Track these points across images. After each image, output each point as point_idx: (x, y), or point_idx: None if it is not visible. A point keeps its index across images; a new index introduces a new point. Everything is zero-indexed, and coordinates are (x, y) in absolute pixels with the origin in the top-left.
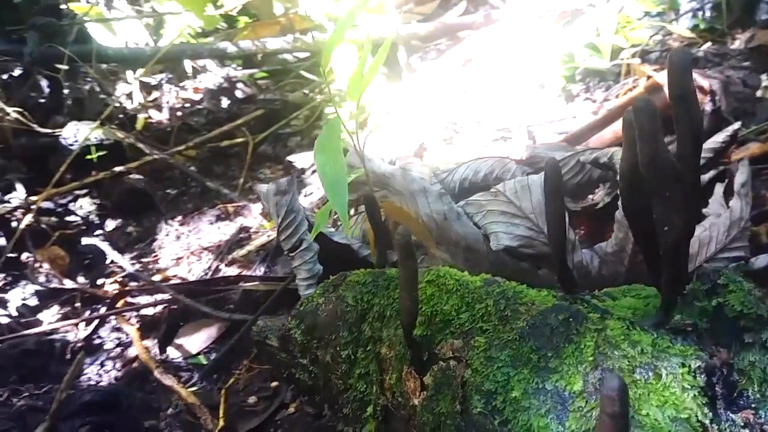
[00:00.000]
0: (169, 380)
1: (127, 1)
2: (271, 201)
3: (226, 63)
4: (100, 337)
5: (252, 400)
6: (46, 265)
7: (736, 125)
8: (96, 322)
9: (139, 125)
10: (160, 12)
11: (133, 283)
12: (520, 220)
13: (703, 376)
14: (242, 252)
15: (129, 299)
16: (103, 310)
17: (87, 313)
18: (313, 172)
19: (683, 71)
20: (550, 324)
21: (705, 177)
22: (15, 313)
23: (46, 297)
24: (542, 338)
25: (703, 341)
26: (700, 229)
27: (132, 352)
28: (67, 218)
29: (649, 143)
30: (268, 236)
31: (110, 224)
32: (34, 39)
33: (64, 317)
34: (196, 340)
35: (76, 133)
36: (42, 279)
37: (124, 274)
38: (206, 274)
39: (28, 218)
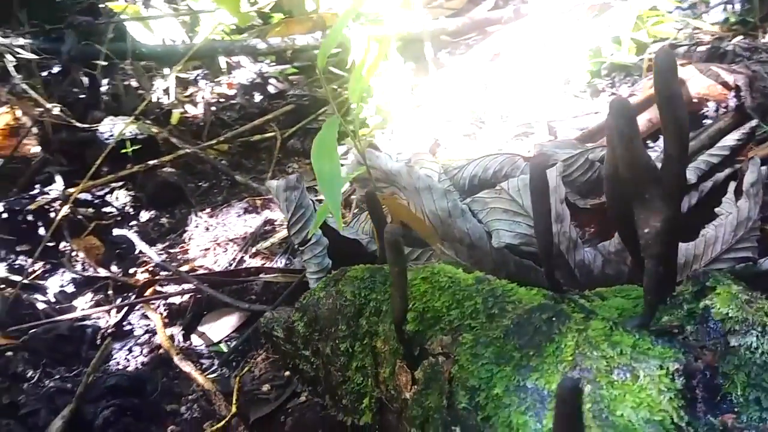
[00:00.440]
0: (188, 367)
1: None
2: (281, 196)
3: (259, 59)
4: (129, 324)
5: (265, 388)
6: (81, 254)
7: (754, 122)
8: (126, 309)
9: (174, 120)
10: (195, 9)
11: (163, 273)
12: (521, 218)
13: (681, 379)
14: (266, 244)
15: (158, 288)
16: (133, 298)
17: (118, 301)
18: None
19: (668, 72)
20: (534, 323)
21: (720, 175)
22: (53, 299)
23: (82, 284)
24: (525, 336)
25: (688, 344)
26: (708, 229)
27: (158, 339)
28: (104, 209)
29: (625, 145)
30: None
31: (144, 215)
32: (72, 37)
33: (97, 304)
34: (218, 329)
35: (112, 128)
36: (78, 267)
37: (154, 263)
38: (231, 265)
39: (65, 209)
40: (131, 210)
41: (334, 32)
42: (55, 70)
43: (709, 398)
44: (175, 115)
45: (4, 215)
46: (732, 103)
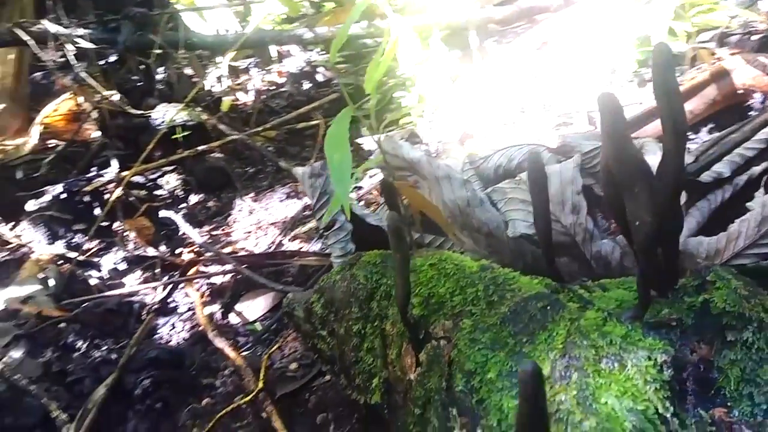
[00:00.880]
0: (221, 343)
1: None
2: (306, 183)
3: (308, 48)
4: (174, 301)
5: (293, 366)
6: (133, 234)
7: None
8: (170, 287)
9: (224, 107)
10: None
11: (208, 254)
12: None
13: (669, 371)
14: (304, 228)
15: (201, 268)
16: (177, 277)
17: (164, 279)
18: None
19: (666, 67)
20: (529, 311)
21: (756, 169)
22: (105, 276)
23: (132, 263)
24: (520, 324)
25: (686, 337)
26: (733, 224)
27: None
28: (155, 192)
29: (614, 139)
30: None
31: (193, 199)
32: (127, 27)
33: (145, 281)
34: (254, 308)
35: (164, 114)
36: (130, 246)
37: (197, 244)
38: (270, 248)
39: (119, 191)
40: (181, 193)
41: (345, 26)
42: (113, 59)
43: (700, 391)
44: (226, 102)
45: (63, 196)
46: None
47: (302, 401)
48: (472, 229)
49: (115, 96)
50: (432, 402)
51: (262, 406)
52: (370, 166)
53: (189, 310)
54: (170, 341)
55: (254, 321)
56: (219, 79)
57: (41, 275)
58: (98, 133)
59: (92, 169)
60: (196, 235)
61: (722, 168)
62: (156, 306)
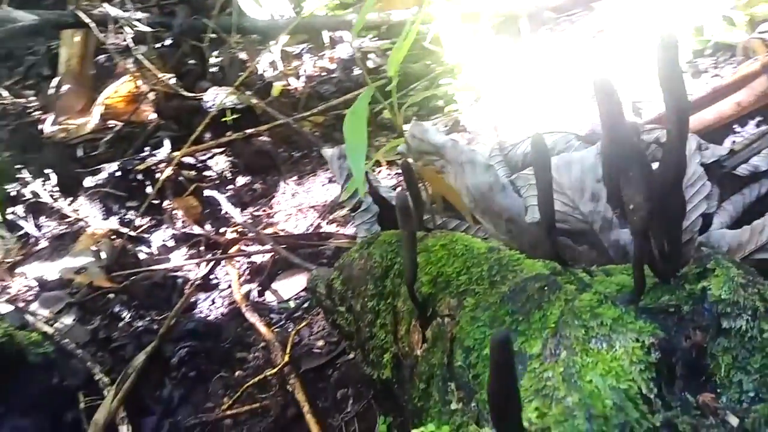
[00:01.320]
0: (253, 318)
1: None
2: (335, 164)
3: (361, 34)
4: (216, 278)
5: (320, 343)
6: (181, 213)
7: None
8: (212, 264)
9: (275, 92)
10: None
11: (249, 234)
12: (557, 196)
13: (657, 353)
14: (342, 212)
15: (243, 247)
16: (219, 254)
17: (208, 256)
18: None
19: (671, 57)
20: (527, 291)
21: None
22: (155, 251)
23: (180, 240)
24: (518, 303)
25: (684, 323)
26: (759, 219)
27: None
28: (205, 173)
29: (609, 122)
30: None
31: (240, 180)
32: (183, 12)
33: (189, 258)
34: (289, 287)
35: (215, 98)
36: (179, 224)
37: (246, 223)
38: (308, 229)
39: (169, 171)
40: (229, 174)
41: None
42: (168, 42)
43: (691, 376)
44: (277, 87)
45: (118, 174)
46: None
47: (326, 376)
48: (493, 214)
49: (171, 79)
50: (434, 377)
51: (287, 379)
52: (391, 149)
53: (229, 286)
54: (209, 315)
55: (288, 299)
56: (272, 63)
57: (94, 248)
58: (154, 115)
59: (146, 148)
60: (238, 215)
61: (760, 161)
62: (198, 281)
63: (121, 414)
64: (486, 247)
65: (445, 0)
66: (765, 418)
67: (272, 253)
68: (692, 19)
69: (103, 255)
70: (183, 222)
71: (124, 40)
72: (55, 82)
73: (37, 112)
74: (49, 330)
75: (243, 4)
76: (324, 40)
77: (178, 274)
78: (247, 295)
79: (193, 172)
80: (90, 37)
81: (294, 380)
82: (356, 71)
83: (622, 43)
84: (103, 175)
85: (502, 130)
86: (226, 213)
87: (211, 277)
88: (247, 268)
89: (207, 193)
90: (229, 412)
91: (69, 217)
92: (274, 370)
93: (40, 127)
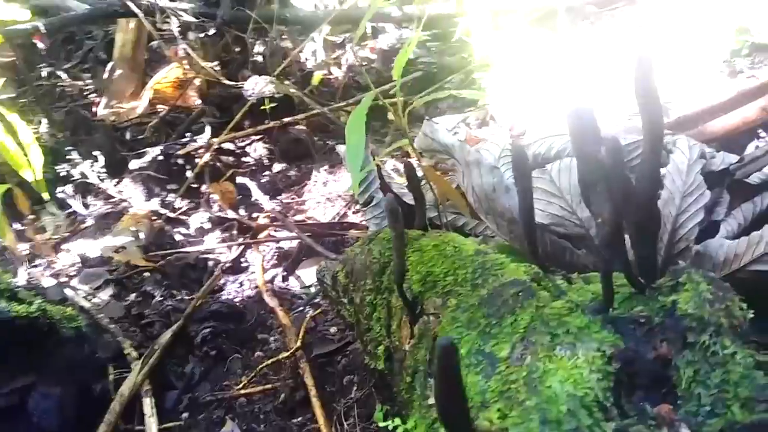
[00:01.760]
0: (273, 303)
1: None
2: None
3: (403, 25)
4: (246, 261)
5: (333, 330)
6: (217, 197)
7: None
8: (242, 248)
9: (315, 81)
10: None
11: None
12: (556, 200)
13: (617, 363)
14: None
15: (272, 233)
16: (249, 239)
17: (239, 240)
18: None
19: (646, 74)
20: (503, 296)
21: None
22: (192, 233)
23: (215, 223)
24: (494, 307)
25: (653, 334)
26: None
27: (265, 276)
28: (243, 159)
29: (576, 138)
30: None
31: (276, 167)
32: (227, 2)
33: (222, 241)
34: (310, 274)
35: (255, 86)
36: (215, 208)
37: (274, 210)
38: (334, 218)
39: (207, 156)
40: (266, 161)
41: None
42: (211, 32)
43: (653, 387)
44: (317, 76)
45: (160, 157)
46: None
47: (335, 362)
48: (496, 214)
49: (215, 67)
50: (418, 372)
51: (298, 363)
52: (398, 147)
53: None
54: (236, 298)
55: (310, 285)
56: (314, 53)
57: (133, 228)
58: (199, 101)
59: (187, 134)
60: (267, 202)
61: None
62: (228, 264)
63: (145, 387)
64: (474, 250)
65: None
66: None
67: (299, 240)
68: (735, 17)
69: (142, 235)
70: (219, 206)
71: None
72: (109, 66)
73: (92, 95)
74: (86, 304)
75: None
76: (366, 30)
77: (210, 256)
78: (271, 280)
79: (231, 158)
80: (144, 24)
81: (304, 364)
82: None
83: (660, 39)
84: (147, 158)
85: (528, 128)
86: (257, 199)
87: (241, 260)
88: (276, 253)
89: (239, 180)
90: (243, 391)
91: (114, 197)
92: (287, 353)
93: (93, 109)
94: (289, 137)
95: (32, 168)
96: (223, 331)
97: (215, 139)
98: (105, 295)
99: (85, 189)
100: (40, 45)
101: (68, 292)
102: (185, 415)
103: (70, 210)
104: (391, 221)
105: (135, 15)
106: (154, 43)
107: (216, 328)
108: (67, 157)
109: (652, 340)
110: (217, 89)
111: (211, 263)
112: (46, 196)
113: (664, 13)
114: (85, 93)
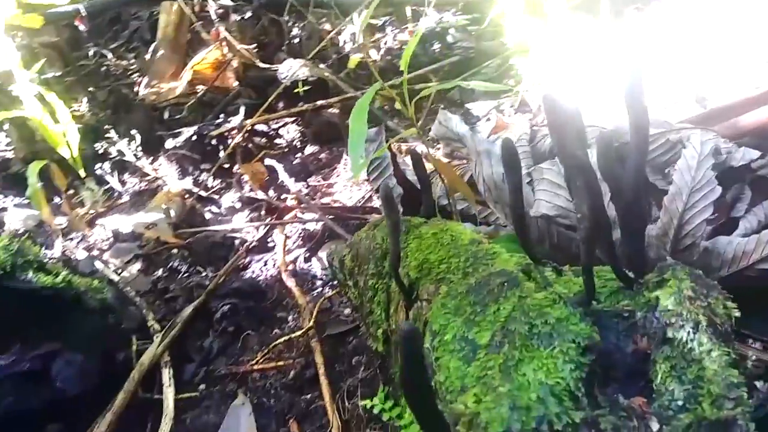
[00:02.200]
0: (290, 282)
1: None
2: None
3: (445, 8)
4: (272, 241)
5: (347, 311)
6: (247, 177)
7: None
8: (268, 228)
9: (351, 64)
10: None
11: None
12: (563, 191)
13: (591, 355)
14: None
15: (299, 214)
16: (275, 219)
17: (267, 220)
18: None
19: (636, 78)
20: (490, 285)
21: None
22: (223, 212)
23: (245, 203)
24: (480, 295)
25: (635, 328)
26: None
27: (289, 257)
28: (276, 141)
29: (557, 134)
30: None
31: (309, 150)
32: None
33: (250, 221)
34: None
35: (289, 69)
36: (246, 188)
37: (299, 192)
38: (359, 202)
39: (239, 137)
40: (298, 144)
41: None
42: (248, 15)
43: (629, 380)
44: (354, 59)
45: (195, 137)
46: None
47: (346, 343)
48: (504, 204)
49: (252, 49)
50: None
51: (310, 342)
52: (405, 136)
53: (284, 250)
54: (259, 276)
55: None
56: (352, 36)
57: (164, 206)
58: (237, 83)
59: (221, 115)
60: (293, 184)
61: None
62: (254, 244)
63: (165, 358)
64: (469, 240)
65: None
66: (683, 427)
67: (323, 222)
68: None
69: (173, 213)
70: (250, 186)
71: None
72: (153, 47)
73: (135, 75)
74: (115, 277)
75: None
76: (406, 13)
77: (237, 235)
78: (294, 260)
79: (264, 140)
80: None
81: (315, 343)
82: (435, 45)
83: (708, 27)
84: (182, 138)
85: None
86: (284, 181)
87: (268, 240)
88: (301, 234)
89: (267, 162)
90: (256, 367)
91: (149, 175)
92: (300, 332)
93: (136, 89)
94: (321, 120)
95: (69, 146)
96: (243, 308)
97: (248, 121)
98: (134, 269)
99: (122, 166)
100: (81, 27)
101: (99, 264)
102: (201, 386)
103: (108, 186)
104: (386, 210)
105: None
106: (197, 25)
107: (236, 305)
108: (106, 135)
109: (633, 334)
110: (253, 71)
111: (237, 242)
112: (82, 172)
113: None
114: (129, 73)
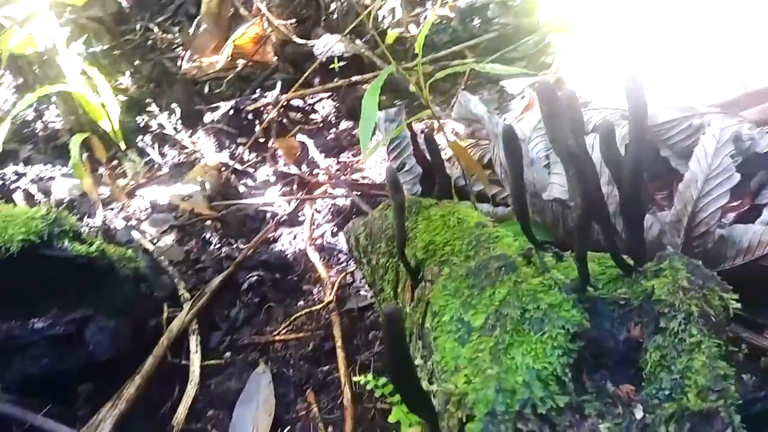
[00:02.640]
0: (314, 257)
1: None
2: (382, 126)
3: None
4: (303, 215)
5: (367, 287)
6: (281, 152)
7: None
8: (298, 202)
9: (389, 39)
10: None
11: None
12: None
13: (580, 342)
14: None
15: (330, 190)
16: (306, 194)
17: (298, 195)
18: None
19: (635, 77)
20: (488, 269)
21: None
22: (257, 186)
23: (279, 177)
24: (478, 279)
25: (630, 316)
26: None
27: (318, 231)
28: (311, 116)
29: (549, 125)
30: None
31: (343, 125)
32: None
33: (283, 195)
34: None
35: (326, 45)
36: (280, 163)
37: (329, 167)
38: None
39: (274, 112)
40: (333, 119)
41: None
42: None
43: (618, 368)
44: (392, 35)
45: (232, 112)
46: None
47: (365, 317)
48: None
49: (291, 24)
50: (412, 334)
51: (330, 315)
52: (421, 118)
53: (312, 224)
54: (287, 250)
55: None
56: (392, 11)
57: (200, 178)
58: (275, 57)
59: (257, 90)
60: (322, 160)
61: None
62: (285, 218)
63: (193, 326)
64: (475, 223)
65: None
66: (667, 416)
67: (352, 198)
68: None
69: (208, 185)
70: (284, 161)
71: None
72: (196, 21)
73: (179, 49)
74: (150, 247)
75: None
76: None
77: (269, 209)
78: (322, 235)
79: (299, 115)
80: None
81: (335, 317)
82: (475, 21)
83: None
84: (220, 112)
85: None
86: (314, 156)
87: (299, 214)
88: (331, 209)
89: (299, 138)
90: (278, 337)
91: (187, 148)
92: (320, 306)
93: (179, 63)
94: (356, 96)
95: (110, 119)
96: (269, 281)
97: (284, 96)
98: (168, 239)
99: (162, 139)
100: (125, 3)
101: (135, 234)
102: (226, 354)
103: (148, 158)
104: (391, 192)
105: None
106: (237, 0)
107: (262, 277)
108: (148, 109)
109: (628, 322)
110: (290, 47)
111: (268, 215)
112: (122, 145)
113: None
114: (173, 47)
